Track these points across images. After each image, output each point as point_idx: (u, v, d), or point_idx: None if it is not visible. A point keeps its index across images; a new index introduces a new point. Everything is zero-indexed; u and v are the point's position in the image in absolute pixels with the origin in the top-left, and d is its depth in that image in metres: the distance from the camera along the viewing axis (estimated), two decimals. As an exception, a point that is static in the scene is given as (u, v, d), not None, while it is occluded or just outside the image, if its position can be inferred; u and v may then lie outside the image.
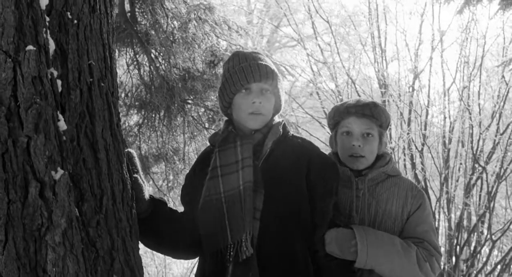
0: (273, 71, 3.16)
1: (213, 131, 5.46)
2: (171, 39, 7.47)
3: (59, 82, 2.47)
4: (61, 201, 2.30)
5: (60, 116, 2.42)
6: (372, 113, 3.30)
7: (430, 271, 3.15)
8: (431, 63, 11.20)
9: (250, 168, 2.99)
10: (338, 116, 3.39)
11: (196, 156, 7.81)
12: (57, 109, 2.41)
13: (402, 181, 3.38)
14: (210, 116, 8.01)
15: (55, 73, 2.45)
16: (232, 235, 2.94)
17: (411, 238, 3.21)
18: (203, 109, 8.12)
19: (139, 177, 3.06)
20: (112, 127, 2.75)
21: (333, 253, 2.97)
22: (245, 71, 3.11)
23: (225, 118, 3.36)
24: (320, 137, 12.46)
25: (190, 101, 8.01)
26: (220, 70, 7.44)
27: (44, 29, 2.38)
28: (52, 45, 2.46)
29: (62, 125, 2.42)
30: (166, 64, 7.66)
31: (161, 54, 7.69)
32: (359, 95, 11.08)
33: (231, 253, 2.92)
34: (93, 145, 2.61)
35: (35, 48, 2.29)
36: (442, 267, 10.30)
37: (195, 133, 8.15)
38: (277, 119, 3.27)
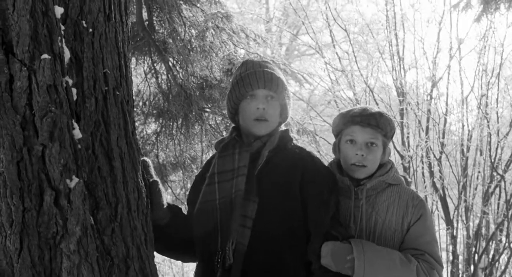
0: (278, 79, 3.18)
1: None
2: (188, 47, 7.51)
3: (74, 90, 2.47)
4: (76, 209, 2.31)
5: (75, 125, 2.42)
6: (377, 124, 3.24)
7: None
8: (449, 71, 11.16)
9: (244, 177, 3.02)
10: (343, 124, 3.33)
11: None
12: (72, 117, 2.41)
13: (403, 190, 3.31)
14: (228, 124, 8.00)
15: (70, 82, 2.45)
16: (222, 242, 2.98)
17: (412, 249, 3.15)
18: (220, 118, 8.15)
19: (157, 184, 3.08)
20: (128, 136, 2.75)
21: (328, 267, 2.92)
22: (250, 77, 3.15)
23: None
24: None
25: (207, 110, 8.03)
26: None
27: (59, 37, 2.39)
28: (67, 54, 2.46)
29: (77, 133, 2.42)
30: (183, 73, 7.69)
31: (179, 62, 7.73)
32: (377, 103, 11.06)
33: (219, 259, 2.97)
34: (108, 153, 2.61)
35: (50, 57, 2.30)
36: (460, 275, 10.25)
37: (212, 142, 8.14)
38: (283, 128, 3.29)
